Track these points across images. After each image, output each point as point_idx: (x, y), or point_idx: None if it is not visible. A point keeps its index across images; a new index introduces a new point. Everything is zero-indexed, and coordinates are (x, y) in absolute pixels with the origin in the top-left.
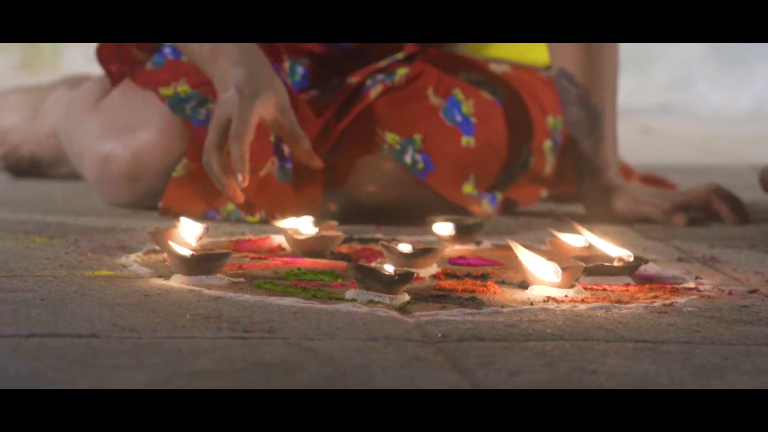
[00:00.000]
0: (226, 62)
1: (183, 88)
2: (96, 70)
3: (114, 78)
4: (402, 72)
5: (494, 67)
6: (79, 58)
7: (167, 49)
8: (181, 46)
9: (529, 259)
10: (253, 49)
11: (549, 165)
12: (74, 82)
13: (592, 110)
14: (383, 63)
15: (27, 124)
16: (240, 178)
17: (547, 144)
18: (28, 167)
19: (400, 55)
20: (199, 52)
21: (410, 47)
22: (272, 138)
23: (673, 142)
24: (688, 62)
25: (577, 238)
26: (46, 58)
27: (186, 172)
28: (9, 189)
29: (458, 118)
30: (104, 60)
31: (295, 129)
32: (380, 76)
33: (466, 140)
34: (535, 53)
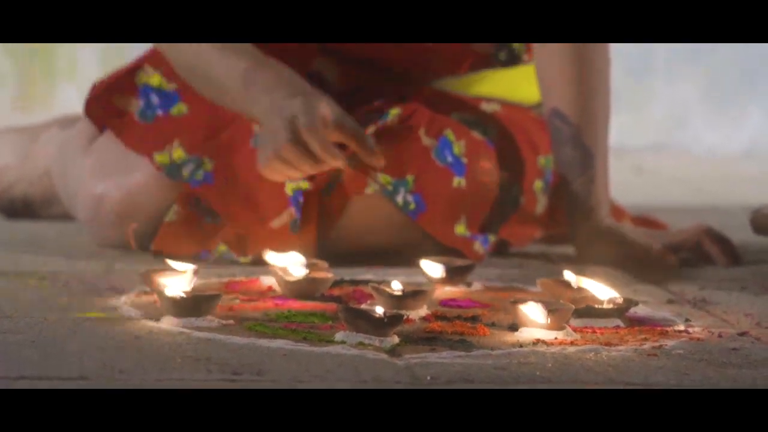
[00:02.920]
0: (262, 94)
1: (178, 153)
2: None
3: (101, 127)
4: (394, 112)
5: (485, 106)
6: (73, 98)
7: (154, 97)
8: (201, 77)
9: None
10: (285, 70)
11: (540, 205)
12: (67, 122)
13: (585, 149)
14: (376, 103)
15: (19, 164)
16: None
17: (538, 184)
18: (21, 207)
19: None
20: (229, 81)
21: (402, 89)
22: (288, 190)
23: (666, 182)
24: (682, 101)
25: (568, 280)
26: (39, 97)
27: (177, 217)
28: (1, 229)
29: (449, 158)
30: (91, 116)
31: (357, 126)
32: (372, 116)
33: (458, 181)
34: (526, 90)
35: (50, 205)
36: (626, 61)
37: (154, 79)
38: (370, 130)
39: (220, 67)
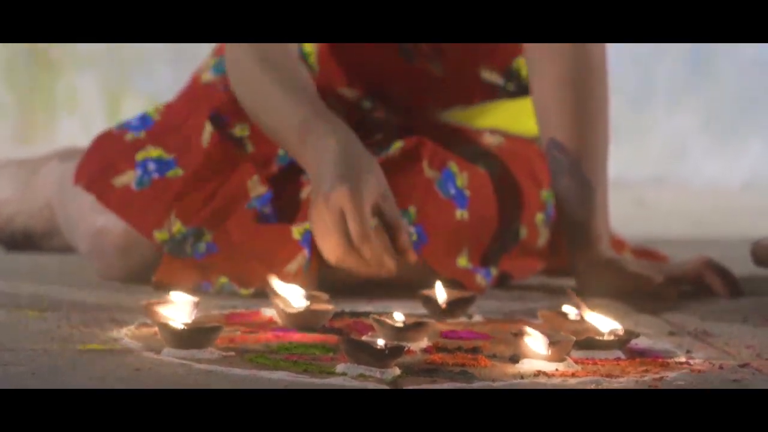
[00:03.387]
0: (318, 143)
1: (177, 227)
2: (90, 141)
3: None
4: (397, 145)
5: (489, 139)
6: (74, 130)
7: (152, 165)
8: (260, 112)
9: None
10: (341, 124)
11: (542, 238)
12: (67, 154)
13: (584, 180)
14: (379, 136)
15: (20, 196)
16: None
17: (539, 217)
18: (22, 239)
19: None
20: (286, 129)
21: (408, 121)
22: (297, 234)
23: (666, 214)
24: (682, 133)
25: (570, 310)
26: (40, 130)
27: None
28: (2, 261)
29: (452, 191)
30: (82, 183)
31: (397, 217)
32: (375, 149)
33: (460, 213)
34: (530, 123)
35: (51, 237)
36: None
37: (155, 152)
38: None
39: (277, 113)
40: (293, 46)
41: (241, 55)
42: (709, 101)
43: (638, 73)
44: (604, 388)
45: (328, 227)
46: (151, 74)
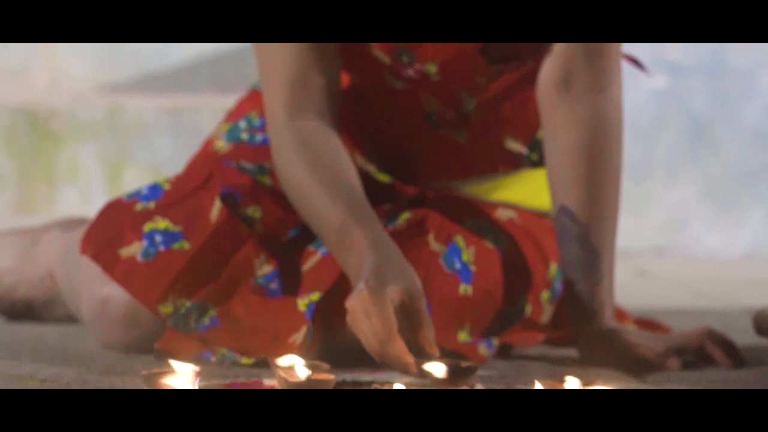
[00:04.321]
0: (356, 252)
1: (181, 301)
2: (91, 212)
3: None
4: (404, 216)
5: (500, 213)
6: (74, 200)
7: (158, 236)
8: (302, 209)
9: None
10: (377, 229)
11: (546, 315)
12: (68, 224)
13: (592, 250)
14: (388, 207)
15: (20, 266)
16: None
17: (545, 294)
18: (22, 310)
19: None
20: (326, 231)
21: (418, 190)
22: (302, 306)
23: (667, 285)
24: (682, 204)
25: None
26: (40, 200)
27: None
28: (2, 331)
29: (457, 265)
30: (89, 253)
31: (422, 314)
32: (383, 221)
33: (464, 288)
34: (545, 198)
35: (52, 307)
36: (627, 163)
37: (162, 224)
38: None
39: (318, 213)
40: (335, 133)
41: (286, 146)
42: (710, 172)
43: (639, 145)
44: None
45: (358, 327)
46: (152, 145)
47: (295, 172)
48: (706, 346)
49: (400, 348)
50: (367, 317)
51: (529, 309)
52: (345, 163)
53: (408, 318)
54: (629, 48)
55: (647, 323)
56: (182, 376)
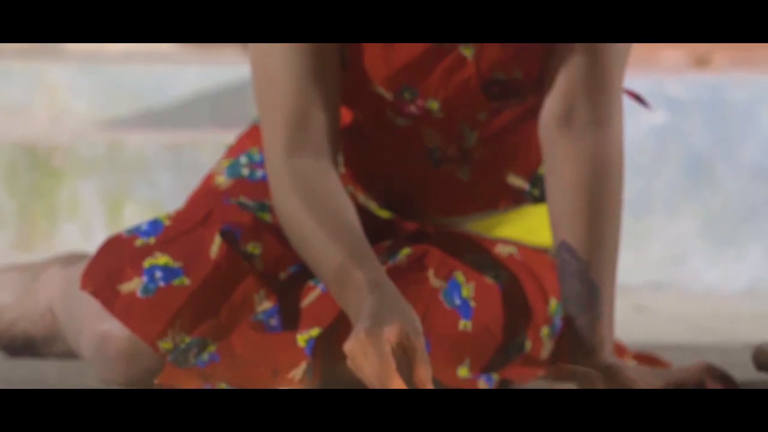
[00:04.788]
0: (354, 295)
1: (181, 337)
2: (91, 248)
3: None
4: (405, 252)
5: (500, 249)
6: (75, 237)
7: (158, 272)
8: (301, 250)
9: None
10: (376, 269)
11: (545, 350)
12: (68, 260)
13: (592, 285)
14: (388, 243)
15: (20, 302)
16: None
17: (545, 330)
18: (22, 346)
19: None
20: (325, 271)
21: (418, 226)
22: (302, 342)
23: (666, 320)
24: (682, 239)
25: None
26: (40, 236)
27: None
28: (2, 368)
29: (457, 301)
30: (89, 288)
31: (419, 353)
32: (383, 257)
33: (464, 324)
34: (545, 234)
35: (52, 343)
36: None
37: (162, 259)
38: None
39: (317, 253)
40: (334, 172)
41: (285, 185)
42: (709, 207)
43: (638, 180)
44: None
45: (358, 369)
46: (152, 180)
47: (293, 212)
48: (706, 382)
49: (399, 387)
50: (365, 358)
51: (528, 344)
52: (344, 202)
53: (406, 356)
54: (629, 83)
55: (646, 358)
56: None
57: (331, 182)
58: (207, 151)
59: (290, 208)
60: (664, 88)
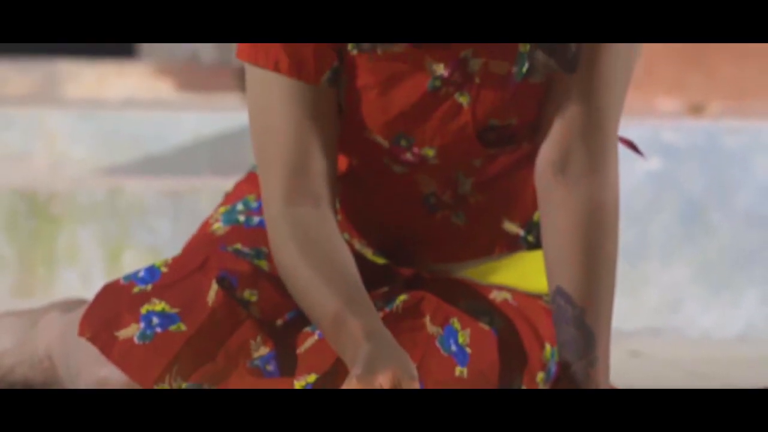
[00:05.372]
0: (350, 342)
1: (178, 382)
2: (90, 294)
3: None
4: (401, 299)
5: (496, 295)
6: (74, 283)
7: (155, 319)
8: (298, 297)
9: None
10: (371, 317)
11: None
12: (68, 306)
13: (588, 331)
14: (384, 289)
15: (19, 347)
16: None
17: (540, 376)
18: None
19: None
20: (322, 319)
21: (414, 272)
22: (299, 386)
23: (662, 366)
24: (677, 285)
25: None
26: (39, 282)
27: None
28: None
29: (453, 347)
30: (86, 335)
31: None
32: (379, 303)
33: (460, 370)
34: (540, 281)
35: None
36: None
37: (159, 306)
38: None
39: (313, 301)
40: (332, 219)
41: (283, 233)
42: (704, 254)
43: (633, 226)
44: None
45: None
46: (151, 227)
47: (291, 260)
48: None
49: None
50: None
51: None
52: (342, 250)
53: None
54: (625, 130)
55: None
56: None
57: (328, 230)
58: (206, 198)
59: (287, 255)
60: (659, 134)
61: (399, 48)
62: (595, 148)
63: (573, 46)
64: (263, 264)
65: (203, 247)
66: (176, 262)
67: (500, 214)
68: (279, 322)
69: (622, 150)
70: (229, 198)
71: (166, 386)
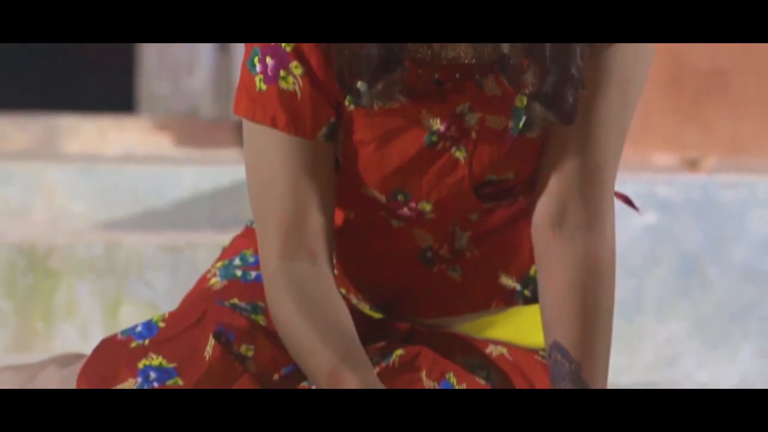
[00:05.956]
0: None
1: None
2: (88, 348)
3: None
4: (397, 353)
5: (492, 350)
6: (72, 338)
7: (152, 373)
8: (294, 353)
9: None
10: (368, 372)
11: None
12: (65, 360)
13: (584, 386)
14: (381, 344)
15: None
16: None
17: None
18: None
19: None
20: (318, 374)
21: (410, 326)
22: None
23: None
24: (673, 340)
25: None
26: (38, 338)
27: None
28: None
29: None
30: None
31: None
32: (376, 358)
33: None
34: (536, 335)
35: None
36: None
37: (156, 360)
38: (374, 371)
39: (310, 357)
40: (329, 274)
41: (279, 288)
42: (699, 308)
43: (629, 281)
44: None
45: None
46: (149, 282)
47: (287, 315)
48: None
49: None
50: None
51: None
52: (338, 306)
53: None
54: (621, 185)
55: None
56: None
57: (325, 285)
58: (203, 253)
59: (284, 310)
60: (655, 189)
61: (396, 103)
62: (592, 204)
63: (570, 97)
64: (260, 319)
65: (200, 302)
66: (173, 317)
67: (497, 269)
68: (276, 376)
69: (618, 204)
70: (227, 253)
71: None
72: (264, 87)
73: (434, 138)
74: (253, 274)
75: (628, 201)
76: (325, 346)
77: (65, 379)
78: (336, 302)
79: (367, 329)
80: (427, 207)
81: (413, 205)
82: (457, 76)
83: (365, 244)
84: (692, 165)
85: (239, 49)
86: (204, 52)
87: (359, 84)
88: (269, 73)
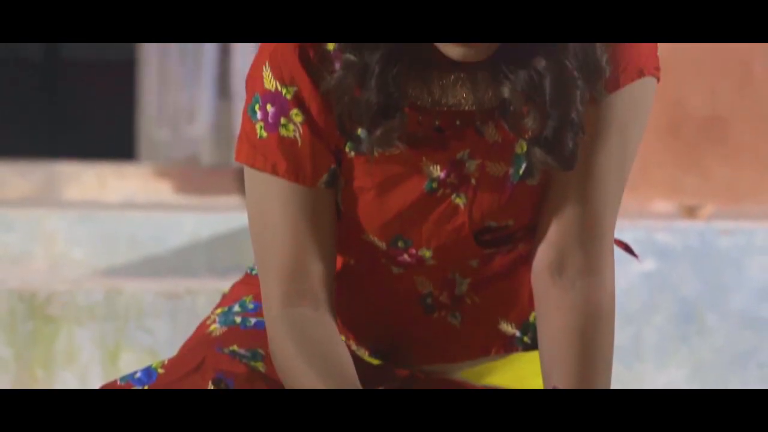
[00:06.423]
0: None
1: None
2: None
3: None
4: None
5: None
6: (72, 384)
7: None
8: (293, 381)
9: None
10: None
11: None
12: None
13: None
14: (380, 387)
15: None
16: None
17: None
18: None
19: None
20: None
21: (409, 373)
22: None
23: None
24: (671, 386)
25: None
26: (38, 384)
27: None
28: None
29: None
30: None
31: None
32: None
33: None
34: (535, 382)
35: None
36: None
37: None
38: None
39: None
40: (330, 320)
41: (282, 333)
42: (698, 355)
43: (628, 328)
44: None
45: None
46: (149, 329)
47: (288, 359)
48: None
49: None
50: None
51: None
52: (340, 351)
53: None
54: (620, 232)
55: None
56: None
57: (327, 330)
58: (203, 299)
59: (285, 354)
60: (653, 236)
61: (395, 150)
62: (591, 251)
63: (570, 141)
64: (259, 366)
65: (200, 349)
66: (173, 364)
67: (496, 315)
68: None
69: (617, 251)
70: (226, 299)
71: None
72: (265, 134)
73: (434, 185)
74: (253, 320)
75: (627, 248)
76: (324, 387)
77: None
78: (338, 347)
79: (366, 375)
80: (427, 253)
81: (413, 251)
82: (458, 122)
83: (365, 290)
84: (691, 212)
85: (239, 96)
86: (204, 98)
87: (359, 131)
88: (270, 120)
